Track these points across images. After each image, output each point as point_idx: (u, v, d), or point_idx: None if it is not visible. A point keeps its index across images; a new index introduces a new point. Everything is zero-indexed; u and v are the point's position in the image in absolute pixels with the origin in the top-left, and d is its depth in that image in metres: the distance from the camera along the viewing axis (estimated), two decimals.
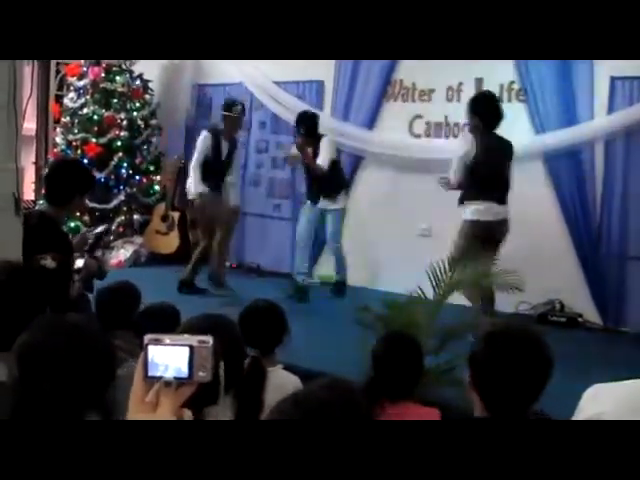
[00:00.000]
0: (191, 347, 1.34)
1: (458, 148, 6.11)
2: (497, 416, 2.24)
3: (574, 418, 2.20)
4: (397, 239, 7.84)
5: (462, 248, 5.76)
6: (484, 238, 5.84)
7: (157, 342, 1.34)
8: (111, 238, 9.15)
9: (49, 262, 3.34)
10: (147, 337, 1.35)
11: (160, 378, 1.34)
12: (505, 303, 6.42)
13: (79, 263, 4.05)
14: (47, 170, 4.19)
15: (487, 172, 5.91)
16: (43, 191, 4.19)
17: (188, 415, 1.36)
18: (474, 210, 5.94)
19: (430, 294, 4.75)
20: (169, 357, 1.34)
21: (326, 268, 8.41)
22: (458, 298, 5.65)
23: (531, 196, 6.69)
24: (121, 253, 9.17)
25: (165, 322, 3.42)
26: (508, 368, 2.23)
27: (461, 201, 6.04)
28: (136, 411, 1.35)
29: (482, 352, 2.31)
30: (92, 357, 1.93)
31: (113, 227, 9.23)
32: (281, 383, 3.28)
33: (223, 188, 7.75)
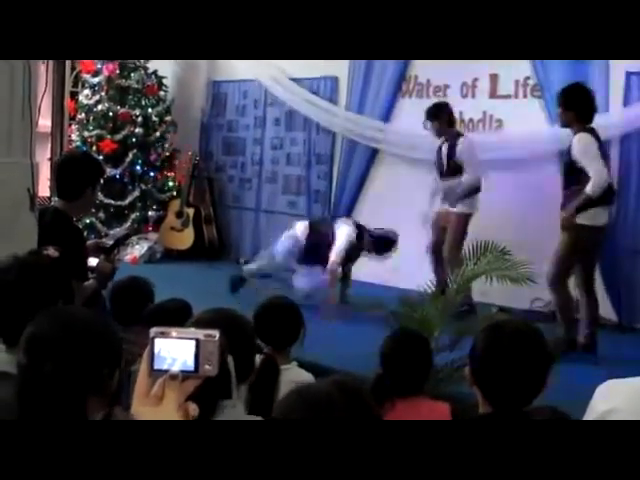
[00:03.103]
0: (197, 340, 1.33)
1: (586, 147, 5.48)
2: (500, 411, 2.24)
3: (586, 414, 2.19)
4: (412, 234, 7.82)
5: (575, 254, 5.61)
6: (596, 245, 5.73)
7: (163, 335, 1.34)
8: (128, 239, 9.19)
9: (52, 251, 3.35)
10: (153, 330, 1.35)
11: (166, 371, 1.34)
12: (519, 300, 6.41)
13: (92, 262, 4.06)
14: (56, 166, 4.18)
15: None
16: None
17: (193, 409, 1.36)
18: (595, 214, 5.53)
19: None
20: (175, 350, 1.34)
21: None
22: (473, 294, 5.65)
23: (546, 191, 6.65)
24: (136, 249, 9.20)
25: (177, 318, 3.42)
26: (506, 363, 2.23)
27: (586, 206, 5.48)
28: (141, 404, 1.35)
29: (481, 347, 2.32)
30: (91, 343, 1.97)
31: (128, 223, 9.26)
32: (294, 380, 3.28)
33: None
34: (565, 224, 5.55)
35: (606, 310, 6.73)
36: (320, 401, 1.45)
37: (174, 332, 1.35)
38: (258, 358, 3.31)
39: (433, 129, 6.96)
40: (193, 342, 1.34)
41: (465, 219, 6.74)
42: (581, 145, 5.46)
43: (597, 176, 5.38)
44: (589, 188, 5.38)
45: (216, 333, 1.35)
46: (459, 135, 6.86)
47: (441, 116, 6.87)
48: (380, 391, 3.08)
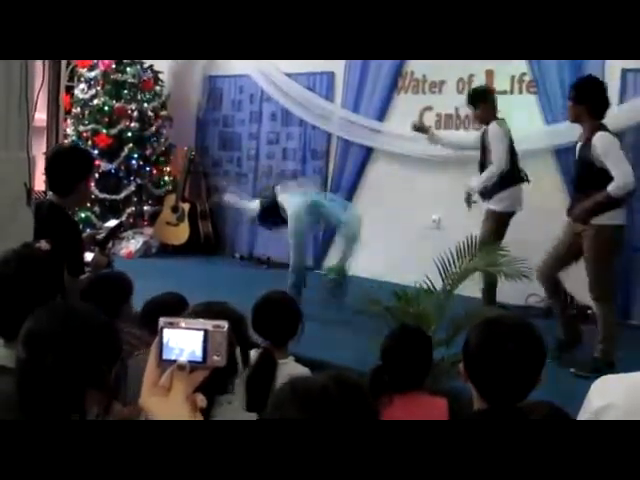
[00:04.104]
0: (206, 331, 1.34)
1: (609, 147, 5.13)
2: (494, 406, 2.24)
3: (582, 410, 2.20)
4: (407, 230, 7.84)
5: (611, 259, 5.33)
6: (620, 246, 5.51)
7: (172, 326, 1.35)
8: (121, 229, 9.17)
9: (43, 244, 3.37)
10: (162, 320, 1.36)
11: (174, 362, 1.35)
12: (515, 296, 6.42)
13: (88, 257, 4.06)
14: (46, 161, 4.13)
15: None
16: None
17: (201, 399, 1.36)
18: (620, 214, 5.24)
19: (439, 285, 4.74)
20: (184, 341, 1.34)
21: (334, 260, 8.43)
22: (469, 289, 5.64)
23: (541, 188, 6.66)
24: (131, 244, 9.20)
25: (173, 312, 3.40)
26: (501, 358, 2.23)
27: (613, 205, 5.17)
28: (149, 394, 1.35)
29: (475, 343, 2.32)
30: (90, 338, 1.98)
31: (123, 218, 9.24)
32: (291, 375, 3.28)
33: None
34: (595, 228, 5.18)
35: None
36: (314, 394, 1.45)
37: (183, 322, 1.36)
38: (255, 353, 3.33)
39: (477, 114, 6.49)
40: (201, 333, 1.34)
41: (493, 217, 6.22)
42: (604, 144, 5.11)
43: (622, 176, 5.02)
44: (612, 187, 5.02)
45: (225, 324, 1.35)
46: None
47: (488, 99, 6.46)
48: (377, 385, 3.09)
